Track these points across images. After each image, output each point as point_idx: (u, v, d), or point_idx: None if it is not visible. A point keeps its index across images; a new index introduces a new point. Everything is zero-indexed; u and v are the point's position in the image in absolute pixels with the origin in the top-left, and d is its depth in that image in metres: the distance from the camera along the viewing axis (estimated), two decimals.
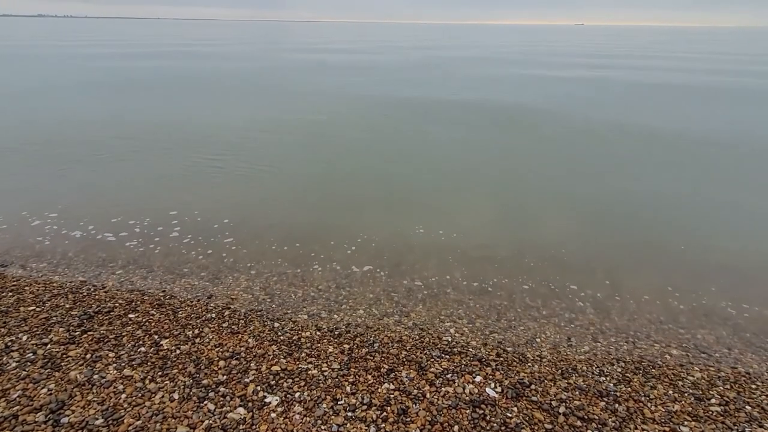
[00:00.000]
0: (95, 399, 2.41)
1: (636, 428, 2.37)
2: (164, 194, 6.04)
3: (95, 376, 2.58)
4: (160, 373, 2.64)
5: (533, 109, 12.05)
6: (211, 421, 2.30)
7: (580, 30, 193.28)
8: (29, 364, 2.67)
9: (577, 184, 6.60)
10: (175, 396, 2.46)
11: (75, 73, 18.42)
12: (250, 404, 2.42)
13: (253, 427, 2.28)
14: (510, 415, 2.41)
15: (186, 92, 14.53)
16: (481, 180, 6.78)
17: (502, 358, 2.95)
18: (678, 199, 6.05)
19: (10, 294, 3.53)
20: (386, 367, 2.79)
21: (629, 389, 2.69)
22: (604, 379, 2.79)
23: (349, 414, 2.38)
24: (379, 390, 2.57)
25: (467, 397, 2.53)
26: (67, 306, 3.38)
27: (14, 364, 2.66)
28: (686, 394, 2.67)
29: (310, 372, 2.71)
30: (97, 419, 2.27)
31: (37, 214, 5.22)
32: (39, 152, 7.83)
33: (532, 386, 2.67)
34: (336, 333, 3.19)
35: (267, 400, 2.46)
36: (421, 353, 2.97)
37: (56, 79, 16.77)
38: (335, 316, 3.48)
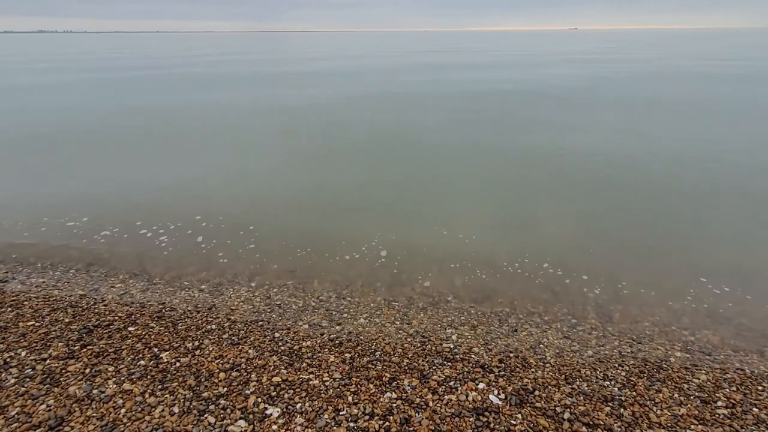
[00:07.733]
0: (94, 414, 2.39)
1: None
2: (161, 206, 6.04)
3: (94, 391, 2.56)
4: (159, 387, 2.61)
5: (529, 113, 12.11)
6: None
7: (572, 34, 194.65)
8: (28, 379, 2.65)
9: (577, 188, 6.59)
10: (175, 409, 2.44)
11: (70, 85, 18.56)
12: (251, 416, 2.39)
13: None
14: (514, 423, 2.38)
15: (177, 93, 14.63)
16: (480, 186, 6.79)
17: (504, 365, 2.92)
18: (679, 200, 6.04)
19: (9, 309, 3.51)
20: (388, 375, 2.76)
21: (634, 393, 2.66)
22: (608, 383, 2.76)
23: (351, 424, 2.35)
24: (381, 399, 2.54)
25: (470, 405, 2.51)
26: (67, 320, 3.36)
27: (13, 380, 2.64)
28: (692, 397, 2.63)
29: (311, 382, 2.68)
30: None
31: (36, 227, 5.22)
32: (34, 164, 7.86)
33: (536, 392, 2.64)
34: (337, 342, 3.16)
35: (268, 411, 2.43)
36: (423, 361, 2.94)
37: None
38: (336, 325, 3.45)
